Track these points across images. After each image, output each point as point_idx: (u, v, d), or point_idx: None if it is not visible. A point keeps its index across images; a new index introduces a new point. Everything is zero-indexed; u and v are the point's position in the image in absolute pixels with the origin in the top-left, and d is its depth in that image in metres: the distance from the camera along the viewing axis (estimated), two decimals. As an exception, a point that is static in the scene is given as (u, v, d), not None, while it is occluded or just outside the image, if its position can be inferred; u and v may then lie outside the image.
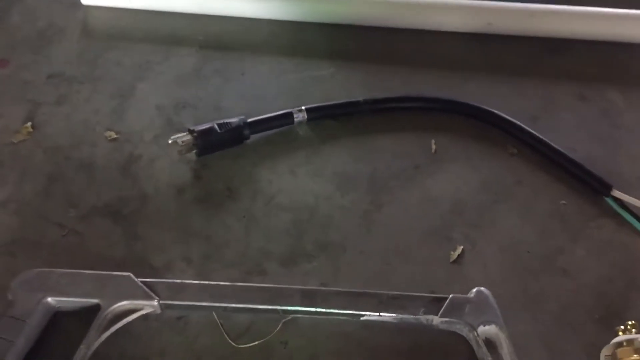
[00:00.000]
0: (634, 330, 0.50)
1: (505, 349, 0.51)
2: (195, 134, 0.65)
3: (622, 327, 0.51)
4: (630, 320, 0.51)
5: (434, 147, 0.69)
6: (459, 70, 0.77)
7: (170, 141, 0.65)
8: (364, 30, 0.80)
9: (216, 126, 0.66)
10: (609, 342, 0.51)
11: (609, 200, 0.63)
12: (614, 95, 0.74)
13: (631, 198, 0.63)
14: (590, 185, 0.64)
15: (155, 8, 0.81)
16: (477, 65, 0.78)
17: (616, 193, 0.63)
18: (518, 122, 0.69)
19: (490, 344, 0.52)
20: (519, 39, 0.80)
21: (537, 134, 0.68)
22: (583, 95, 0.74)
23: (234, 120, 0.68)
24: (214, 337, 0.54)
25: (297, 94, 0.74)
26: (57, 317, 0.54)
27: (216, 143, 0.67)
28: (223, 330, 0.54)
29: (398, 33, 0.80)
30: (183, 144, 0.65)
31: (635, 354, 0.49)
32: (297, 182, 0.66)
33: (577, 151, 0.68)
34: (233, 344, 0.53)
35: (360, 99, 0.72)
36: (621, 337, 0.50)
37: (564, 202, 0.64)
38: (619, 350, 0.50)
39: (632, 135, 0.70)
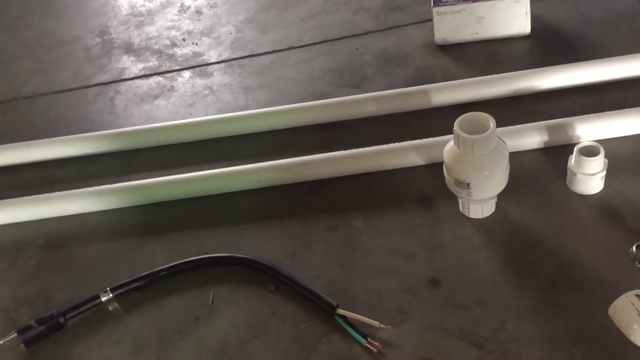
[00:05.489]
0: None
1: None
2: (15, 333, 0.83)
3: None
4: None
5: (211, 298, 0.86)
6: (242, 224, 0.95)
7: (1, 342, 0.83)
8: (169, 205, 0.99)
9: (33, 322, 0.85)
10: None
11: (336, 317, 0.80)
12: (357, 221, 0.92)
13: (352, 314, 0.79)
14: (321, 308, 0.81)
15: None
16: (253, 217, 0.96)
17: (340, 311, 0.79)
18: (269, 263, 0.86)
19: None
20: (286, 187, 0.98)
21: (283, 271, 0.85)
22: (333, 226, 0.92)
23: (51, 312, 0.86)
24: None
25: (111, 273, 0.92)
26: None
27: (38, 335, 0.85)
28: None
29: (196, 200, 1.00)
30: (10, 343, 0.83)
31: None
32: (103, 352, 0.83)
33: (321, 278, 0.85)
34: None
35: (156, 269, 0.90)
36: None
37: (304, 326, 0.81)
38: None
39: (365, 254, 0.87)
